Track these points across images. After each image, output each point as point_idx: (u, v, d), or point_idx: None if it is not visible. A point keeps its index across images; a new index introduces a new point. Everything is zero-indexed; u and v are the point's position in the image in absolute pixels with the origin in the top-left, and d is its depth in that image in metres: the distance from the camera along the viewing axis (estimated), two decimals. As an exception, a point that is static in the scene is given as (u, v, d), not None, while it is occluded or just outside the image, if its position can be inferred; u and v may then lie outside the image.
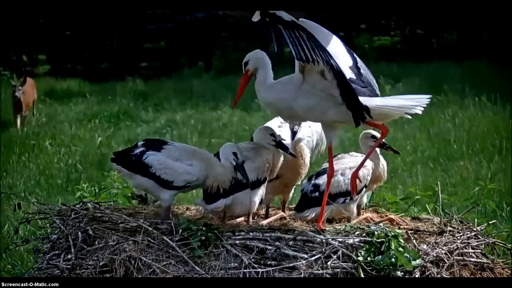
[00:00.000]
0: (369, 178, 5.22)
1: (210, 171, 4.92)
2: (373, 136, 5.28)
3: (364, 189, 5.24)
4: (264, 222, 5.15)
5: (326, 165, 5.26)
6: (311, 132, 5.49)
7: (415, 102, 4.61)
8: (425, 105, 4.59)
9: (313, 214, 5.05)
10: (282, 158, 5.14)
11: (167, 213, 4.97)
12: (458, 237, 4.88)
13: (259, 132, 5.16)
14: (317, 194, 5.05)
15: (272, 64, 4.82)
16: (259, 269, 4.47)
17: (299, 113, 4.75)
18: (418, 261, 4.54)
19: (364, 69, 5.04)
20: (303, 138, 5.35)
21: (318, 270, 4.47)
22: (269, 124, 5.36)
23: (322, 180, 5.09)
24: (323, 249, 4.54)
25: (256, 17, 4.45)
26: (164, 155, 4.93)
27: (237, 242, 4.60)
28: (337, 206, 5.07)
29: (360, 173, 5.07)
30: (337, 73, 4.50)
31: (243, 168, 4.89)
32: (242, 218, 5.22)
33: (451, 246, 4.78)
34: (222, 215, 5.21)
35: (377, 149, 5.31)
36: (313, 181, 5.14)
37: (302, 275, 4.44)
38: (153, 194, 5.22)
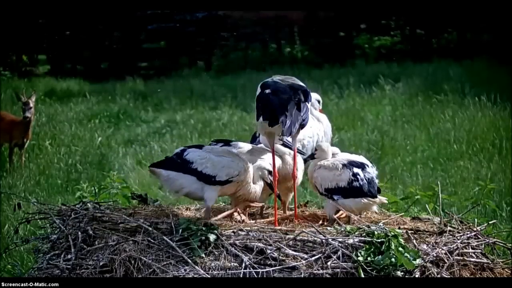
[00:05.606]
0: None
1: (250, 175, 5.00)
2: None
3: None
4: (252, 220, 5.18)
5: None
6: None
7: None
8: None
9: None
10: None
11: (207, 213, 5.00)
12: (458, 237, 4.89)
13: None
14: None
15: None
16: (259, 269, 4.48)
17: None
18: (418, 261, 4.54)
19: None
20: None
21: (318, 270, 4.47)
22: None
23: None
24: (323, 249, 4.54)
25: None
26: (205, 151, 4.99)
27: (237, 242, 4.60)
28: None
29: None
30: None
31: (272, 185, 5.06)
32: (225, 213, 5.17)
33: (451, 246, 4.78)
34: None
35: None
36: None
37: (302, 275, 4.45)
38: (196, 196, 5.08)
